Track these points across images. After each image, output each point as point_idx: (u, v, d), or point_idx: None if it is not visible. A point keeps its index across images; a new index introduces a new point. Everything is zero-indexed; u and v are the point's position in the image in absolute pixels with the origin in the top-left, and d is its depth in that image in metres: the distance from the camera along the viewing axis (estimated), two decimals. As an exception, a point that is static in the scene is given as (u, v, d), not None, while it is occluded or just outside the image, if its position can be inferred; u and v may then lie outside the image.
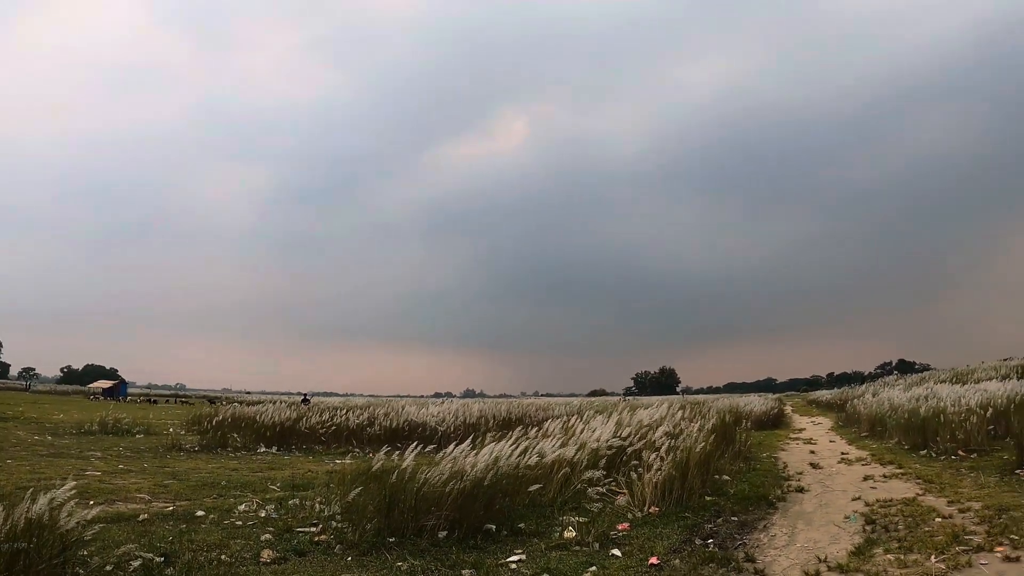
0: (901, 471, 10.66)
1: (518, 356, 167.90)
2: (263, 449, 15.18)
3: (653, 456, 8.09)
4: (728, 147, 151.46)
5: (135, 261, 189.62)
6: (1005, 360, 29.58)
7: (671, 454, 8.10)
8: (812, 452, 14.30)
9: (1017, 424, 10.41)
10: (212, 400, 30.38)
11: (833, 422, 22.60)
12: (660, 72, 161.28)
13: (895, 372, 44.40)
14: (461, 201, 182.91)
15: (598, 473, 8.26)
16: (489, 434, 8.76)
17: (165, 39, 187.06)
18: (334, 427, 16.87)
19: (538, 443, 8.13)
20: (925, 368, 50.86)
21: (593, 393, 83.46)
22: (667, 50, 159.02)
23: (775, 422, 21.99)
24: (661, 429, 9.83)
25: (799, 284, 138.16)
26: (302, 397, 36.30)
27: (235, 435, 16.22)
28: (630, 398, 57.83)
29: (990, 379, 22.27)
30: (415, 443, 7.01)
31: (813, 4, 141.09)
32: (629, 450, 9.20)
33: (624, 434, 9.77)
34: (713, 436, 9.92)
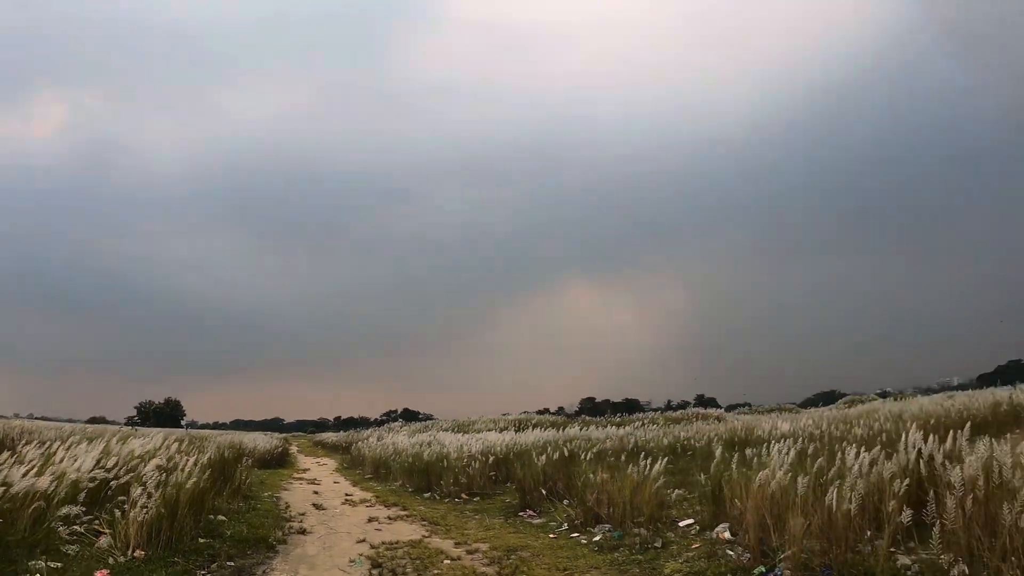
0: (406, 513, 10.18)
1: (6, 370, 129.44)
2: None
3: (140, 491, 6.79)
4: (271, 182, 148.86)
5: None
6: (504, 415, 34.43)
7: (160, 490, 6.93)
8: (316, 493, 13.03)
9: (520, 470, 10.94)
10: None
11: (338, 464, 22.09)
12: (212, 95, 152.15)
13: (400, 420, 47.82)
14: None
15: (77, 509, 6.64)
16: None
17: None
18: None
19: (4, 471, 6.39)
20: (429, 417, 56.45)
21: (93, 420, 69.26)
22: (219, 76, 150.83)
23: (280, 461, 20.35)
24: (153, 462, 8.02)
25: (312, 328, 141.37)
26: None
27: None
28: (133, 428, 49.50)
29: (490, 430, 24.87)
30: None
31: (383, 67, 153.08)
32: (115, 484, 7.54)
33: (110, 464, 7.78)
34: (209, 472, 8.73)
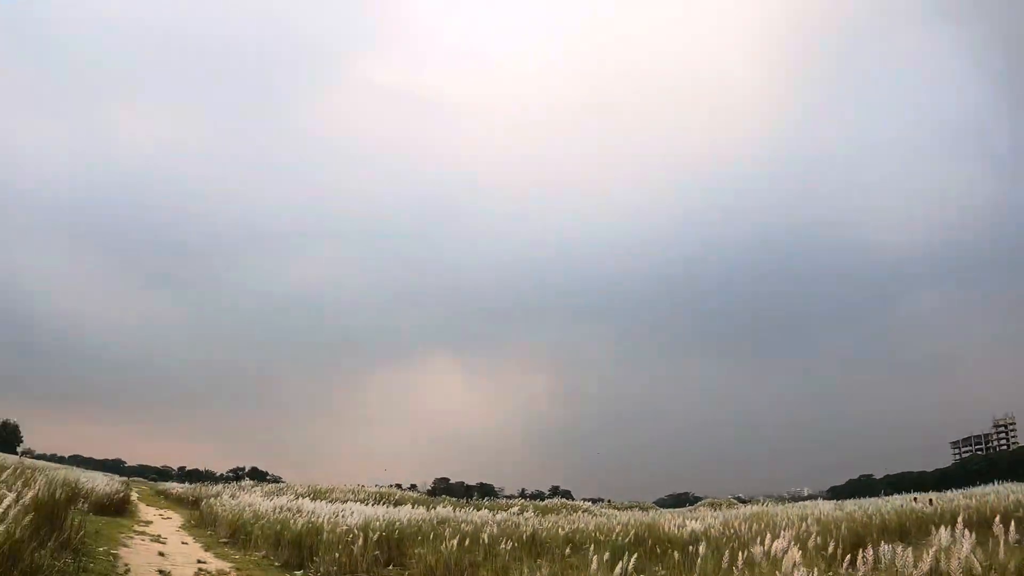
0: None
1: None
2: None
3: None
4: (149, 213, 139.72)
5: None
6: (361, 486, 31.95)
7: None
8: (162, 555, 10.97)
9: (427, 554, 9.73)
10: None
11: (185, 519, 19.34)
12: (101, 109, 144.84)
13: (248, 478, 43.91)
14: None
15: None
16: None
17: None
18: None
19: None
20: (277, 479, 52.17)
21: None
22: (120, 96, 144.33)
23: (119, 508, 17.49)
24: None
25: (164, 367, 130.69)
26: None
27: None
28: None
29: (348, 500, 22.86)
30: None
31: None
32: None
33: None
34: (32, 516, 6.89)
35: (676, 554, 9.43)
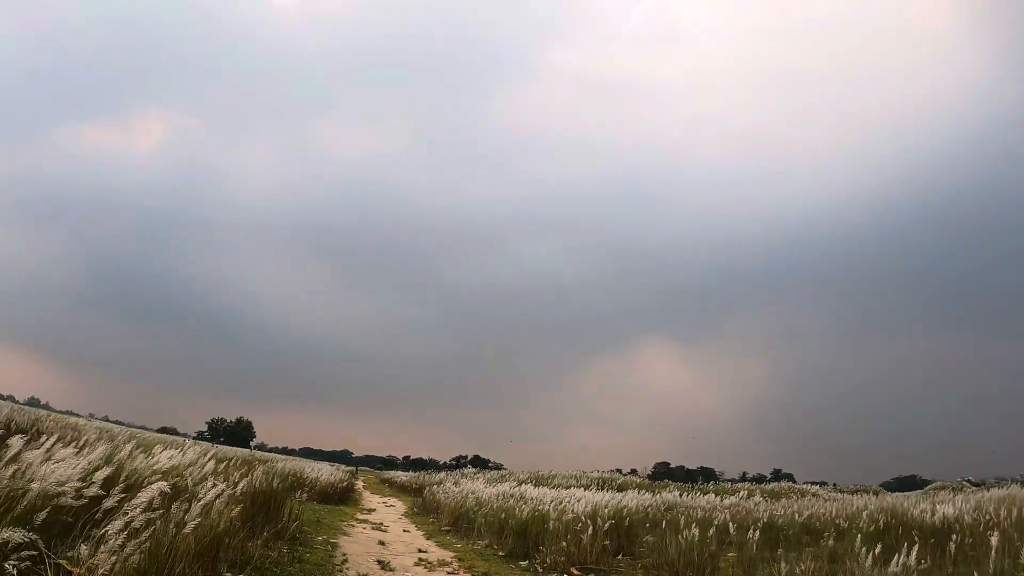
0: (505, 593, 7.25)
1: (91, 374, 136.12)
2: None
3: (117, 526, 4.36)
4: (358, 220, 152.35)
5: None
6: (583, 472, 30.88)
7: (153, 527, 4.61)
8: (382, 544, 10.22)
9: (669, 546, 7.90)
10: None
11: (408, 507, 19.27)
12: (309, 128, 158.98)
13: (470, 466, 44.84)
14: (70, 192, 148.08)
15: (21, 535, 3.82)
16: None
17: None
18: None
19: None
20: (499, 467, 53.19)
21: (163, 430, 70.44)
22: (323, 109, 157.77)
23: (343, 497, 17.73)
24: (157, 485, 5.08)
25: (387, 363, 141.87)
26: None
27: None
28: (193, 441, 49.18)
29: (570, 486, 21.82)
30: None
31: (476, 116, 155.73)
32: (108, 504, 4.92)
33: (103, 477, 5.18)
34: (241, 507, 6.44)
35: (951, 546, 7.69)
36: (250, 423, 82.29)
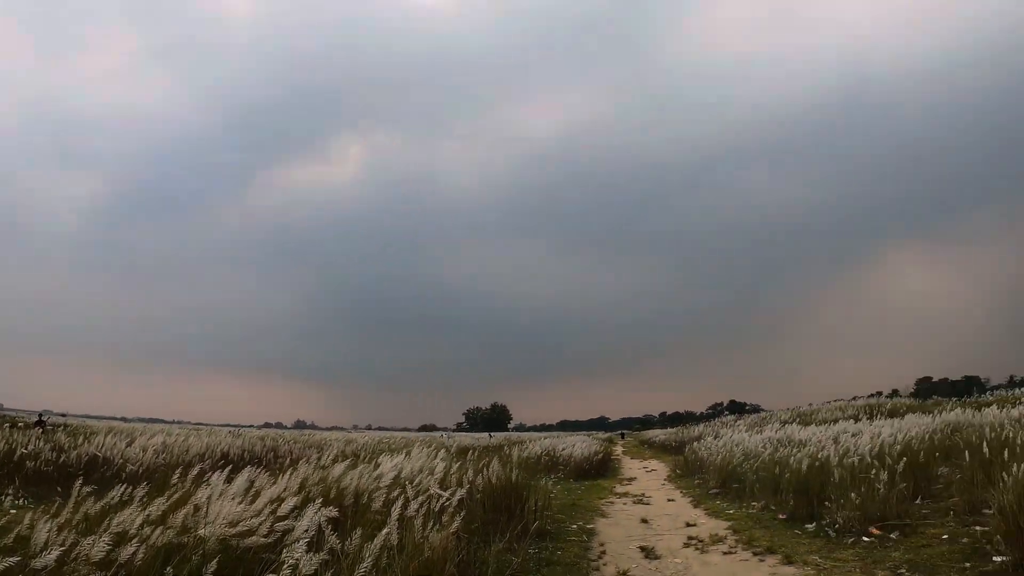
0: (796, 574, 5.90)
1: (352, 389, 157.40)
2: None
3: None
4: (567, 190, 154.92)
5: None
6: (852, 400, 27.56)
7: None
8: (644, 521, 9.35)
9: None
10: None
11: (670, 469, 18.25)
12: (498, 114, 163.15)
13: (726, 412, 42.53)
14: (295, 228, 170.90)
15: None
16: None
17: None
18: None
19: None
20: (756, 409, 50.12)
21: (423, 428, 78.38)
22: (505, 93, 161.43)
23: (599, 470, 17.23)
24: (317, 514, 4.45)
25: (632, 325, 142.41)
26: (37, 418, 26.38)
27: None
28: (458, 434, 53.90)
29: (836, 420, 19.39)
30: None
31: (652, 58, 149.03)
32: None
33: (287, 508, 4.74)
34: (461, 516, 5.54)
35: None
36: (504, 407, 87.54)
